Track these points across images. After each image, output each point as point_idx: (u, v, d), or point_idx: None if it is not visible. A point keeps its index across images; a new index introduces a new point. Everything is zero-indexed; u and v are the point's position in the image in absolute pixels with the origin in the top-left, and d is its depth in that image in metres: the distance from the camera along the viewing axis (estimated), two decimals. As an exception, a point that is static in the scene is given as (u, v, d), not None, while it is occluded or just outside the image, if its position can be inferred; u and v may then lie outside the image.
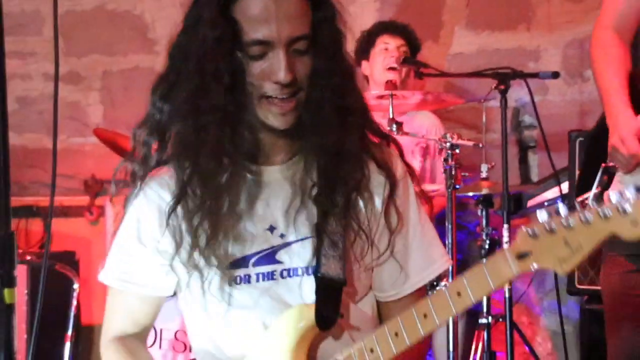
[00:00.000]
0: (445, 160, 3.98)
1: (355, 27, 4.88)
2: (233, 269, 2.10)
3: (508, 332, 4.02)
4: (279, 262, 2.11)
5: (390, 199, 2.12)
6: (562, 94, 4.94)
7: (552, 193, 4.37)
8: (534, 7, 5.21)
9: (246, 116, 2.05)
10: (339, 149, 2.07)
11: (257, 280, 2.11)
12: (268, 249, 2.12)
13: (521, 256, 1.84)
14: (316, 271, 2.07)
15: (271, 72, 1.98)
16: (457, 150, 4.00)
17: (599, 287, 3.75)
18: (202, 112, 2.02)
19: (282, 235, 2.11)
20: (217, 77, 2.00)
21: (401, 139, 4.14)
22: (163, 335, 3.88)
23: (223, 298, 2.10)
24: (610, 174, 2.91)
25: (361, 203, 2.11)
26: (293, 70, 1.98)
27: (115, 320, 2.25)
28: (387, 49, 4.64)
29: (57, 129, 2.00)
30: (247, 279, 2.11)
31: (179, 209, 2.07)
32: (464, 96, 4.73)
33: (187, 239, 2.07)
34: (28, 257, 4.74)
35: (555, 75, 4.20)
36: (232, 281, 2.09)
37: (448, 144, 3.99)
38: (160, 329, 3.85)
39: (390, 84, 4.46)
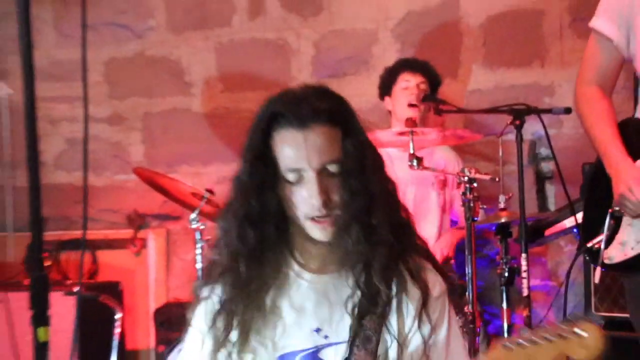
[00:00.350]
0: (464, 193, 3.99)
1: (378, 66, 4.95)
2: None
3: None
4: (320, 357, 2.26)
5: (423, 311, 2.21)
6: (577, 127, 4.53)
7: (568, 222, 4.32)
8: (547, 45, 5.22)
9: (295, 231, 2.24)
10: (369, 264, 2.19)
11: None
12: (313, 347, 2.25)
13: None
14: None
15: (307, 196, 2.15)
16: (475, 184, 4.01)
17: (615, 314, 3.90)
18: (249, 234, 2.20)
19: (326, 337, 2.24)
20: (251, 210, 2.19)
21: (421, 173, 4.40)
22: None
23: None
24: (617, 218, 2.99)
25: (395, 313, 2.22)
26: (326, 192, 2.14)
27: None
28: (408, 87, 4.64)
29: (87, 166, 2.04)
30: None
31: (229, 326, 2.24)
32: (482, 130, 4.74)
33: (240, 341, 2.23)
34: (75, 289, 4.77)
35: (568, 110, 4.14)
36: None
37: (466, 178, 4.01)
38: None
39: (410, 122, 4.36)
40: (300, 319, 2.29)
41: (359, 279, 2.21)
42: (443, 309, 2.28)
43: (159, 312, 5.35)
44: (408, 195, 4.64)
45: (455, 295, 4.13)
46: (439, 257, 4.45)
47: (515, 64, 5.22)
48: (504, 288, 4.09)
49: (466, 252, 4.06)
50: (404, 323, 2.22)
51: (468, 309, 3.94)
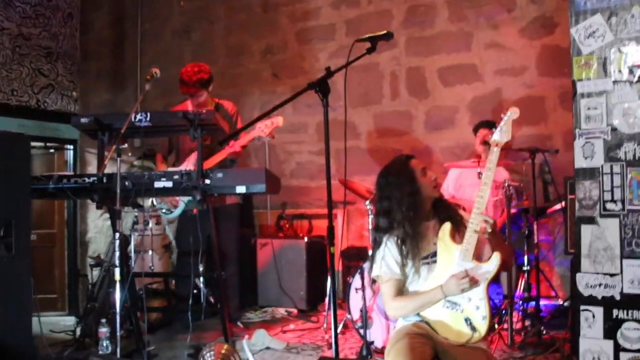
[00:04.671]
0: (505, 192, 4.11)
1: (459, 125, 5.38)
2: (423, 259, 2.65)
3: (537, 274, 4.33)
4: (437, 255, 2.65)
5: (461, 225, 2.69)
6: (565, 156, 4.57)
7: (559, 205, 4.39)
8: (548, 114, 5.23)
9: (423, 201, 2.70)
10: (442, 213, 2.72)
11: (432, 263, 2.63)
12: (434, 250, 2.65)
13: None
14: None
15: (431, 177, 2.73)
16: (510, 188, 4.15)
17: None
18: (411, 206, 2.65)
19: (437, 245, 2.65)
20: (413, 194, 2.66)
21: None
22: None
23: (417, 273, 2.65)
24: None
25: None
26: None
27: (391, 292, 2.67)
28: (482, 135, 4.71)
29: (330, 178, 2.68)
30: (427, 264, 2.65)
31: (402, 249, 2.65)
32: (514, 158, 4.66)
33: (409, 256, 2.64)
34: (305, 238, 5.43)
35: (556, 151, 4.47)
36: (422, 266, 2.64)
37: (506, 184, 4.13)
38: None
39: (479, 156, 4.53)
40: (427, 241, 2.66)
41: (443, 218, 2.68)
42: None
43: (343, 252, 5.61)
44: (476, 191, 4.56)
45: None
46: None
47: (531, 123, 5.22)
48: (525, 239, 4.29)
49: (506, 222, 4.13)
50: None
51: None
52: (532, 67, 5.34)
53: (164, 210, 4.42)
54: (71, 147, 7.34)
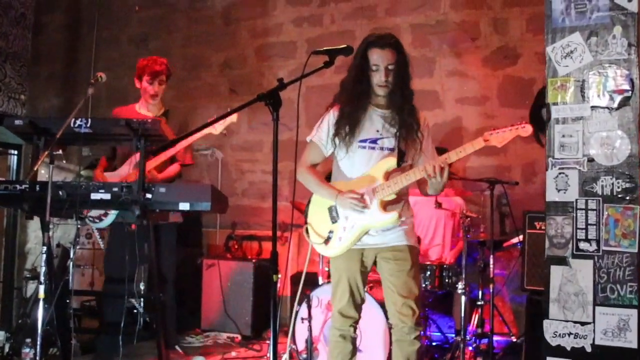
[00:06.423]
0: (463, 223, 4.06)
1: None
2: (360, 143, 2.79)
3: (492, 310, 4.24)
4: (378, 143, 2.78)
5: (425, 133, 2.84)
6: (523, 189, 4.90)
7: (516, 239, 4.39)
8: (507, 145, 4.77)
9: (370, 90, 2.79)
10: (404, 106, 2.78)
11: (370, 148, 2.78)
12: (375, 137, 2.79)
13: None
14: (397, 147, 2.76)
15: (380, 75, 2.76)
16: (468, 218, 4.10)
17: (536, 287, 3.69)
18: (354, 91, 2.77)
19: (380, 133, 2.80)
20: (359, 81, 2.76)
21: (439, 212, 4.32)
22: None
23: (353, 154, 2.80)
24: None
25: (416, 128, 2.81)
26: (387, 75, 2.75)
27: (308, 157, 2.91)
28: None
29: (277, 195, 2.48)
30: (365, 147, 2.78)
31: (340, 122, 2.78)
32: (472, 188, 4.78)
33: (343, 132, 2.77)
34: (253, 261, 5.22)
35: (516, 183, 4.49)
36: (359, 147, 2.78)
37: (464, 215, 4.11)
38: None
39: None
40: (371, 127, 2.81)
41: (401, 112, 2.77)
42: (429, 136, 2.90)
43: (293, 276, 5.40)
44: (432, 221, 4.60)
45: (453, 276, 4.10)
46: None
47: (490, 154, 5.18)
48: (480, 273, 4.22)
49: (463, 254, 4.05)
50: (420, 134, 2.82)
51: (462, 283, 4.00)
52: (493, 97, 5.30)
53: (90, 219, 4.01)
54: (15, 152, 6.90)
